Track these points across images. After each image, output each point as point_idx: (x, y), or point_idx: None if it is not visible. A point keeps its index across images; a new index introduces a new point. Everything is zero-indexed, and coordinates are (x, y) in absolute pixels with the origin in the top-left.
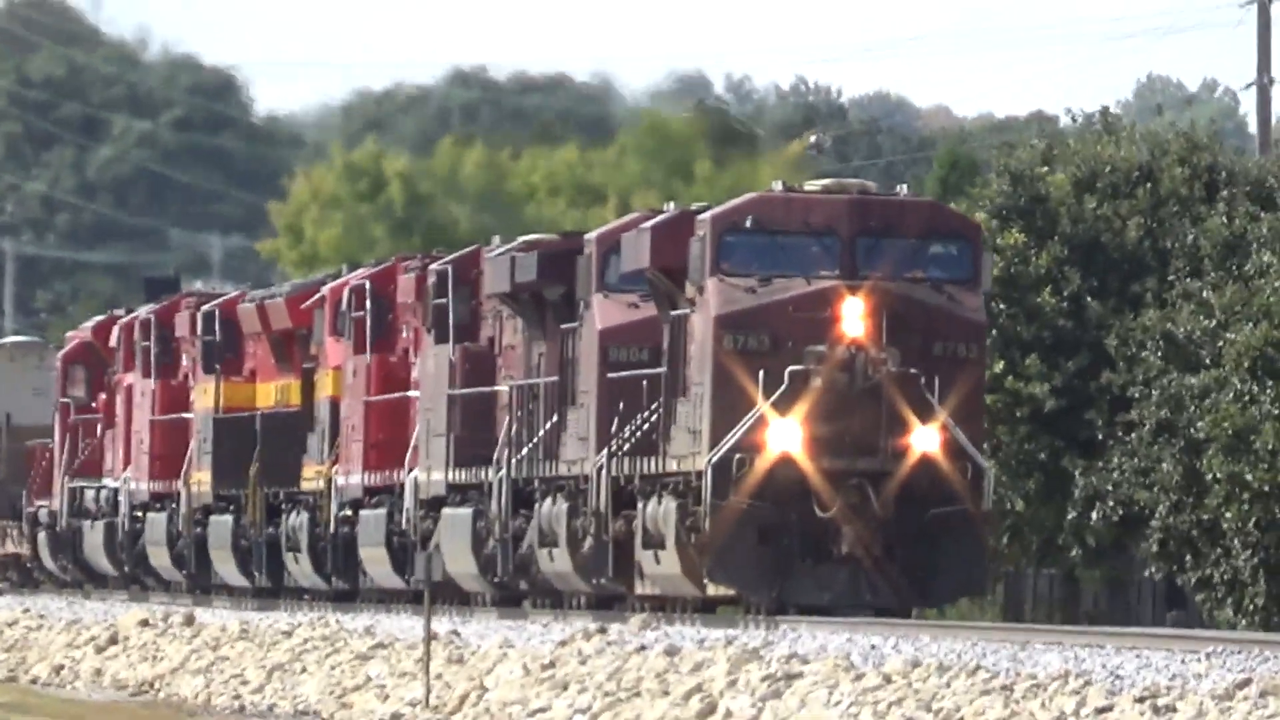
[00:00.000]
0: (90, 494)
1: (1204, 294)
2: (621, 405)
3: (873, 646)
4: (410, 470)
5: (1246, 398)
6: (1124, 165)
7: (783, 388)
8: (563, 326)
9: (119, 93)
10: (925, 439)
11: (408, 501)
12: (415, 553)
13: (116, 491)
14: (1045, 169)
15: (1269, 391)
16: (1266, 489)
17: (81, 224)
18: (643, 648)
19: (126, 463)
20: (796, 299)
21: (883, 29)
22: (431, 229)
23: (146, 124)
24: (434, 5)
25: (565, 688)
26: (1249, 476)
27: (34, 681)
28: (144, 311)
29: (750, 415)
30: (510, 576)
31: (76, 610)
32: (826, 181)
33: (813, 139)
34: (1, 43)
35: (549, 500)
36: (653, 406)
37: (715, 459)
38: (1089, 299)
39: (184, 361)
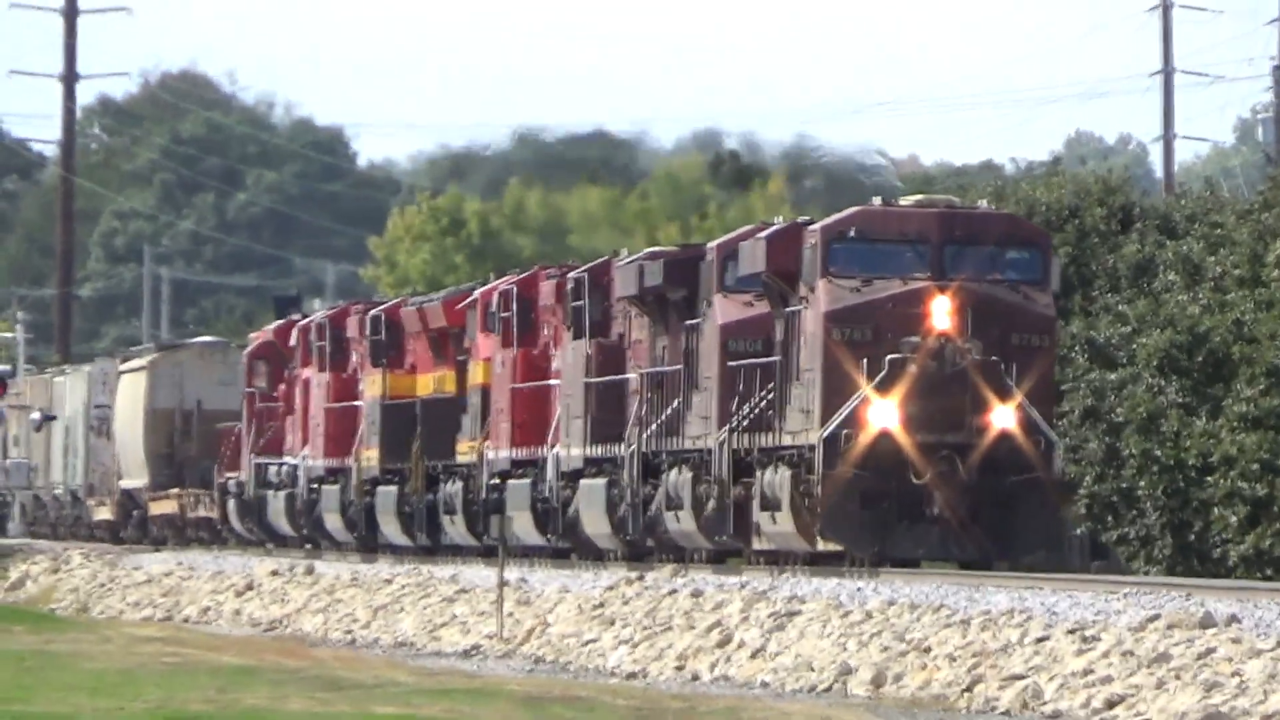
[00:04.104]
0: (273, 469)
1: (1120, 307)
2: (739, 388)
3: (858, 589)
4: (552, 447)
5: (1155, 389)
6: (1055, 205)
7: (883, 373)
8: (686, 323)
9: (252, 149)
10: (1004, 417)
11: (550, 473)
12: (558, 517)
13: (295, 467)
14: None
15: (1173, 384)
16: (1171, 463)
17: (222, 254)
18: (673, 591)
19: (304, 443)
20: (894, 297)
21: (868, 93)
22: (501, 256)
23: (274, 174)
24: (505, 72)
25: (612, 623)
26: (1158, 453)
27: (185, 620)
28: (319, 316)
29: (855, 397)
30: (640, 535)
31: (220, 563)
32: (918, 197)
33: (809, 183)
34: (157, 109)
35: (675, 470)
36: (766, 390)
37: (826, 434)
38: None
39: (353, 358)
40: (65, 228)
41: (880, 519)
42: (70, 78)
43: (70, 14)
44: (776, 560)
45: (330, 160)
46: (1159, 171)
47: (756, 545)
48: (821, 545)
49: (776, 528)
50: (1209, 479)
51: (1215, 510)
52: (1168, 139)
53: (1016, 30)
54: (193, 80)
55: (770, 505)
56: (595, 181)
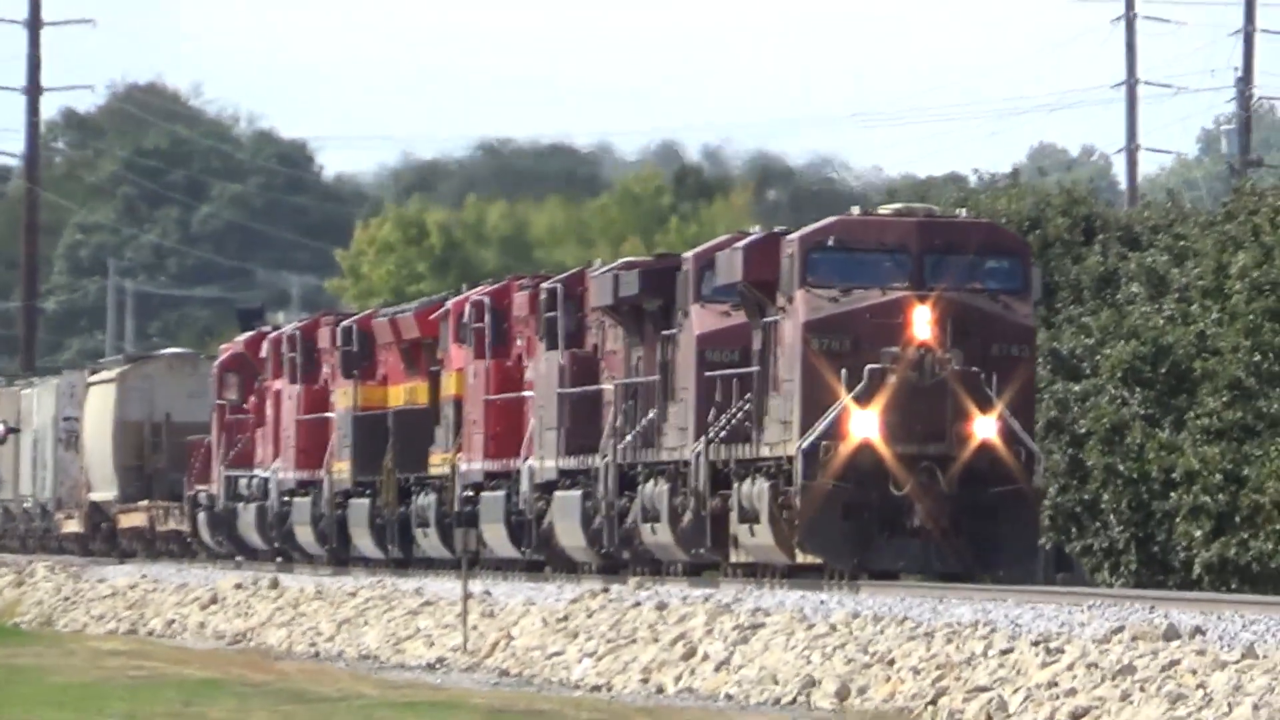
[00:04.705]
0: (243, 481)
1: (1084, 319)
2: (717, 399)
3: (821, 601)
4: (526, 459)
5: (1119, 401)
6: (1017, 217)
7: (862, 383)
8: (662, 333)
9: (215, 161)
10: (985, 427)
11: (524, 485)
12: (533, 529)
13: (267, 480)
14: None
15: (1137, 396)
16: (1135, 476)
17: (186, 267)
18: (638, 604)
19: (275, 455)
20: (873, 307)
21: (831, 105)
22: (464, 268)
23: (238, 186)
24: (469, 85)
25: (576, 636)
26: (1121, 466)
27: (150, 633)
28: (290, 328)
29: (835, 407)
30: (615, 548)
31: (184, 575)
32: (897, 206)
33: (771, 194)
34: (121, 121)
35: (651, 482)
36: (744, 400)
37: (805, 445)
38: None
39: (324, 369)
40: (29, 240)
41: (860, 531)
42: (34, 91)
43: (34, 27)
44: (755, 573)
45: (294, 173)
46: (1123, 183)
47: (735, 558)
48: (801, 558)
49: (755, 540)
50: (1173, 493)
51: (1179, 524)
52: (1131, 150)
53: (981, 43)
54: (158, 93)
55: (748, 517)
56: (559, 194)
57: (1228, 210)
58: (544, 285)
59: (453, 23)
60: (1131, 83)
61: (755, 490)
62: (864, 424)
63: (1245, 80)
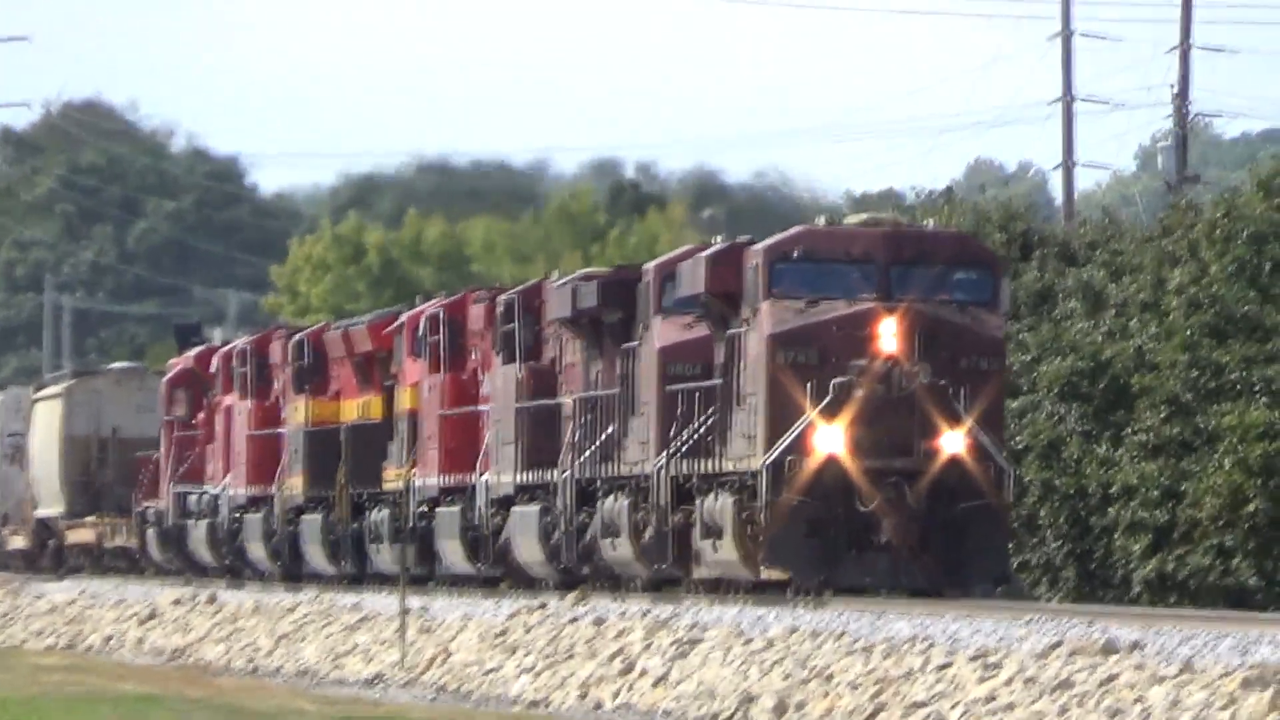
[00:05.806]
0: (193, 497)
1: (1021, 334)
2: (679, 413)
3: (759, 617)
4: (482, 474)
5: (1056, 417)
6: None
7: (829, 397)
8: (622, 346)
9: (151, 179)
10: (953, 442)
11: (480, 500)
12: (489, 544)
13: (217, 496)
14: None
15: (1074, 411)
16: (1072, 491)
17: (123, 284)
18: (575, 619)
19: (226, 471)
20: (840, 319)
21: (769, 122)
22: (402, 284)
23: (173, 203)
24: (407, 101)
25: (513, 651)
26: (1058, 481)
27: (88, 649)
28: (241, 342)
29: (800, 421)
30: (575, 563)
31: (122, 591)
32: (864, 216)
33: (708, 212)
34: (56, 139)
35: (611, 497)
36: (707, 414)
37: (770, 460)
38: None
39: (276, 384)
40: None
41: (826, 547)
42: None
43: None
44: (718, 589)
45: (231, 189)
46: (1060, 199)
47: (697, 574)
48: (765, 574)
49: (718, 556)
50: (1110, 508)
51: (1117, 539)
52: (1068, 166)
53: (918, 60)
54: (94, 110)
55: (712, 533)
56: (494, 211)
57: (1164, 226)
58: (501, 298)
59: (391, 39)
60: (1068, 99)
61: (719, 505)
62: (830, 438)
63: (1182, 96)
